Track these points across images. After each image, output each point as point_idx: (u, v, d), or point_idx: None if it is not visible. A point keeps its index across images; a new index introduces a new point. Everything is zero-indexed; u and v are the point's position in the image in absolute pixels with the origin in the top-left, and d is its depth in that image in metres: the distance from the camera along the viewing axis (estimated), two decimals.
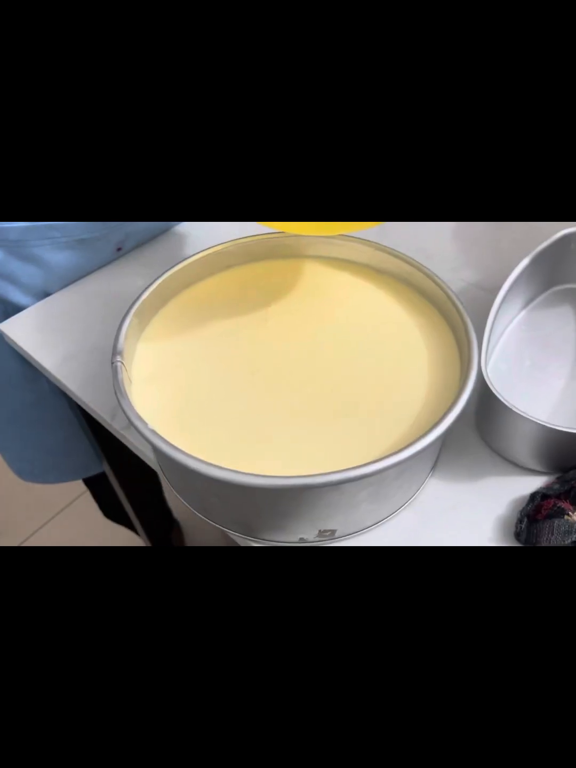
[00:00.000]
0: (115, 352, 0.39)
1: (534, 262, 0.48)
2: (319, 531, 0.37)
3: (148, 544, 1.06)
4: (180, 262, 0.45)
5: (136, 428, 0.34)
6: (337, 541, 0.38)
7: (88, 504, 1.25)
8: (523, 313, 0.52)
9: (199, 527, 1.25)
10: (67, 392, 0.51)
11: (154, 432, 0.34)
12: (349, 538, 0.38)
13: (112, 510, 1.02)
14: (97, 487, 0.95)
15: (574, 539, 0.34)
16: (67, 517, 1.31)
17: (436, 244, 0.60)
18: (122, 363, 0.38)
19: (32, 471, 0.75)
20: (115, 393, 0.37)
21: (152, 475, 1.03)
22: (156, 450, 0.38)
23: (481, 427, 0.44)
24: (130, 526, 1.07)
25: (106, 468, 0.77)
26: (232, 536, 0.40)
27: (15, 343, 0.54)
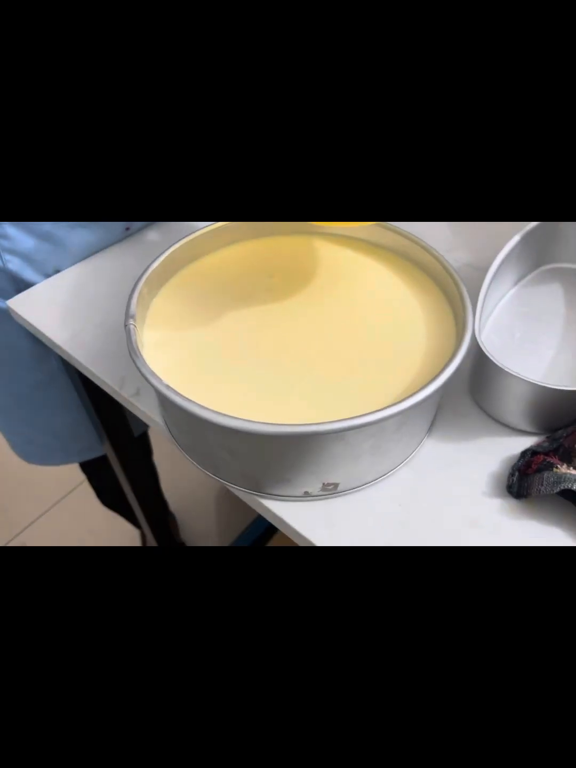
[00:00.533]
0: (128, 315, 0.41)
1: (523, 240, 0.51)
2: (323, 484, 0.39)
3: (145, 532, 1.07)
4: (188, 234, 0.47)
5: (150, 384, 0.36)
6: (339, 496, 0.40)
7: (84, 495, 1.26)
8: (513, 290, 0.54)
9: (193, 520, 1.26)
10: (76, 365, 0.53)
11: (168, 386, 0.36)
12: (350, 493, 0.41)
13: (109, 496, 1.04)
14: (95, 473, 0.97)
15: (562, 488, 0.37)
16: (64, 508, 1.32)
17: (429, 226, 0.62)
18: (135, 326, 0.40)
19: (38, 453, 0.76)
20: (130, 353, 0.38)
21: (150, 462, 1.05)
22: (169, 406, 0.40)
23: (475, 392, 0.46)
24: (126, 514, 1.08)
25: (108, 449, 0.79)
26: (238, 493, 0.42)
27: (24, 319, 0.56)
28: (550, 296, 0.54)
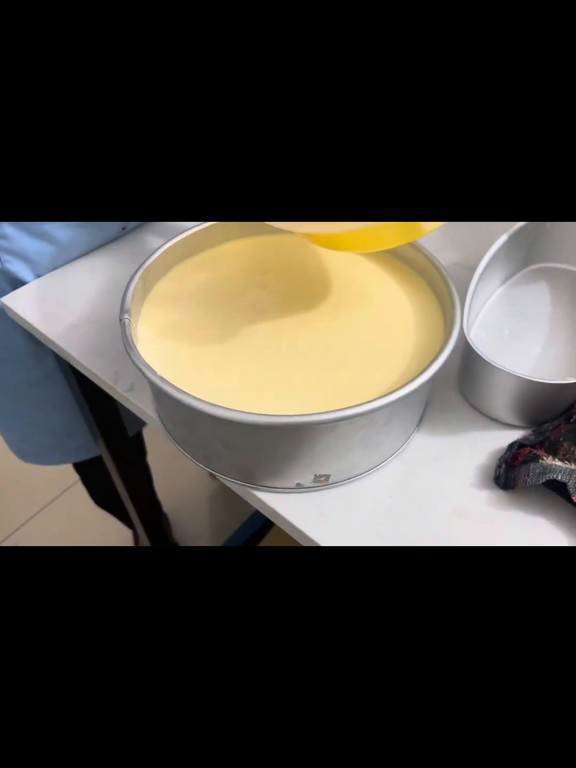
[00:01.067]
0: (123, 310, 0.41)
1: (511, 240, 0.52)
2: (315, 476, 0.40)
3: (139, 532, 1.08)
4: (183, 232, 0.48)
5: (145, 376, 0.37)
6: (331, 487, 0.41)
7: (77, 495, 1.26)
8: (501, 288, 0.56)
9: (186, 520, 1.26)
10: (71, 361, 0.53)
11: (162, 378, 0.36)
12: (342, 485, 0.41)
13: (103, 497, 1.04)
14: (88, 473, 0.97)
15: (548, 478, 0.38)
16: (57, 509, 1.31)
17: None
18: (129, 320, 0.41)
19: (34, 452, 0.77)
20: (124, 346, 0.39)
21: (144, 462, 1.05)
22: (163, 398, 0.41)
23: (463, 387, 0.47)
24: (120, 514, 1.08)
25: (102, 449, 0.79)
26: (231, 486, 0.43)
27: (18, 316, 0.57)
28: (537, 295, 0.55)
